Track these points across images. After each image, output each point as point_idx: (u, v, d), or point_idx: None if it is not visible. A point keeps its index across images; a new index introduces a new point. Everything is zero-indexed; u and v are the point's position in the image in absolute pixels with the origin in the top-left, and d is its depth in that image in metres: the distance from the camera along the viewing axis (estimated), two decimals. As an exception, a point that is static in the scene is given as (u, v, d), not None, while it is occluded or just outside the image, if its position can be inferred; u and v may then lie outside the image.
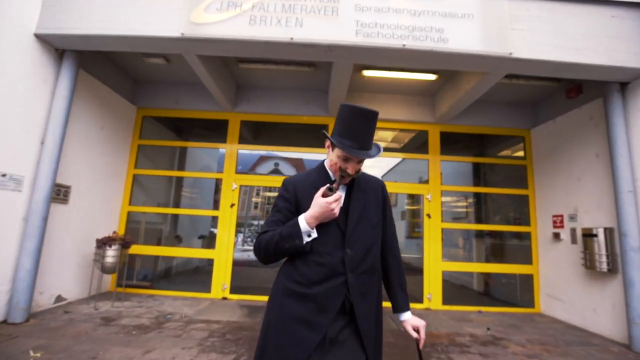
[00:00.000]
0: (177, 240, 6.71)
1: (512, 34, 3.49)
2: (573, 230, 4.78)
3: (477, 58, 3.51)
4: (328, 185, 1.20)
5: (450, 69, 3.83)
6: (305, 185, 1.33)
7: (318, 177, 1.36)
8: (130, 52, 4.56)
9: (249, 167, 6.43)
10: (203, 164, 7.11)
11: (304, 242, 1.19)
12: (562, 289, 4.95)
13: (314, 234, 1.21)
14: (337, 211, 1.18)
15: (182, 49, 3.61)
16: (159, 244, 6.13)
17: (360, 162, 1.28)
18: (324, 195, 1.18)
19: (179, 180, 6.95)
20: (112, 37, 3.44)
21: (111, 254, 4.38)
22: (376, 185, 1.42)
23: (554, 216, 5.18)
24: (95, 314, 4.02)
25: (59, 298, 4.27)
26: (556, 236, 5.07)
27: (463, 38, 3.44)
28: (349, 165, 1.25)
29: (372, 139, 1.26)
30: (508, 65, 3.61)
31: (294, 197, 1.31)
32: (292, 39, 3.32)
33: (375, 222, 1.34)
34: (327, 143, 1.35)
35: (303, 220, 1.19)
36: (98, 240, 4.38)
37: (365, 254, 1.27)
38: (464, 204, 7.15)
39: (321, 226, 1.22)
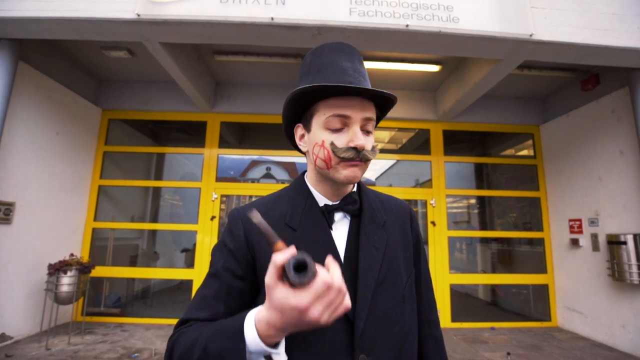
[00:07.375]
0: (154, 257, 6.00)
1: (531, 12, 2.97)
2: (594, 236, 4.28)
3: (492, 41, 2.98)
4: (293, 256, 0.49)
5: (461, 55, 3.29)
6: (269, 221, 0.68)
7: (293, 202, 0.73)
8: (86, 44, 3.92)
9: (240, 173, 5.75)
10: (185, 172, 6.40)
11: None
12: (583, 301, 4.44)
13: (280, 357, 0.54)
14: (327, 318, 0.50)
15: (140, 34, 2.99)
16: (134, 262, 5.43)
17: (367, 122, 0.69)
18: (293, 283, 0.49)
19: (157, 190, 6.26)
20: (51, 21, 2.79)
21: (67, 282, 3.71)
22: (400, 213, 0.81)
23: (570, 220, 4.68)
24: (44, 355, 3.34)
25: (3, 337, 3.57)
26: (574, 242, 4.57)
27: (476, 17, 2.91)
28: (347, 134, 0.67)
29: (365, 79, 0.72)
30: (528, 50, 3.09)
31: (244, 248, 0.69)
32: (272, 19, 2.74)
33: (407, 286, 0.73)
34: (298, 131, 0.77)
35: (252, 327, 0.53)
36: (50, 266, 3.70)
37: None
38: (465, 208, 6.62)
39: None
